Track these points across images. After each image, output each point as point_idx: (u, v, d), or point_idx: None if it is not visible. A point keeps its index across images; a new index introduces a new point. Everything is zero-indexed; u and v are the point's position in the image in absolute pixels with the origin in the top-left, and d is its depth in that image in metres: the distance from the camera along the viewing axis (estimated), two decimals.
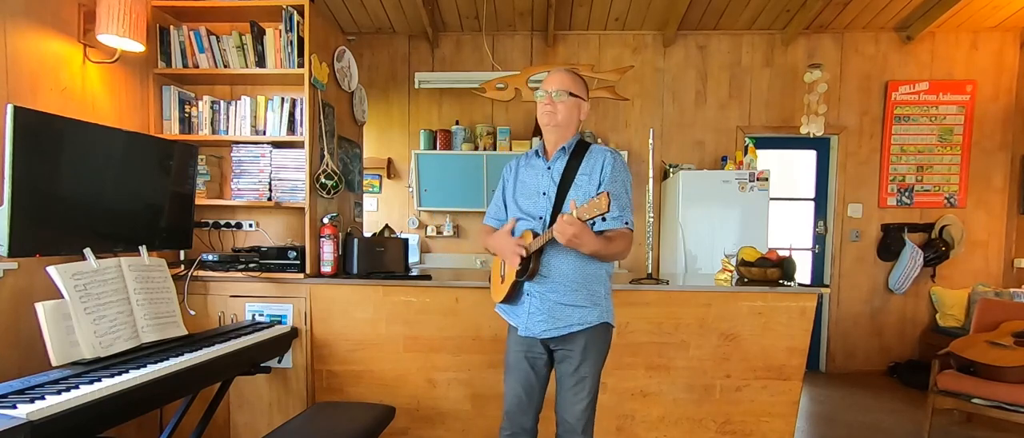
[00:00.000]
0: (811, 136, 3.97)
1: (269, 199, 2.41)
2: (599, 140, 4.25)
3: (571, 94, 1.65)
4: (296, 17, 2.31)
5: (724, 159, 4.11)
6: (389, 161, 4.48)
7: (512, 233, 1.69)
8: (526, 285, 1.63)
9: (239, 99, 2.41)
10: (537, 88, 1.71)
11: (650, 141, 2.48)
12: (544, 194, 1.65)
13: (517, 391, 1.69)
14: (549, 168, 1.67)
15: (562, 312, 1.60)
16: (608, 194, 1.33)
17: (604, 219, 1.52)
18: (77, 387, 1.32)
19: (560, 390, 1.66)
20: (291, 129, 2.39)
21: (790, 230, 4.34)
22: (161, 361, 1.59)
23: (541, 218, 1.63)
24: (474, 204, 4.22)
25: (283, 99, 2.39)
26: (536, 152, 1.74)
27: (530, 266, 1.58)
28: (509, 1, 3.88)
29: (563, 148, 1.66)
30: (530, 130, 4.23)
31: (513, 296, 1.67)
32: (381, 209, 4.52)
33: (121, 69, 2.22)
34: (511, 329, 1.73)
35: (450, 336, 2.29)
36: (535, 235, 1.60)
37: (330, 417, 1.92)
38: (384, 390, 2.32)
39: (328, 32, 2.56)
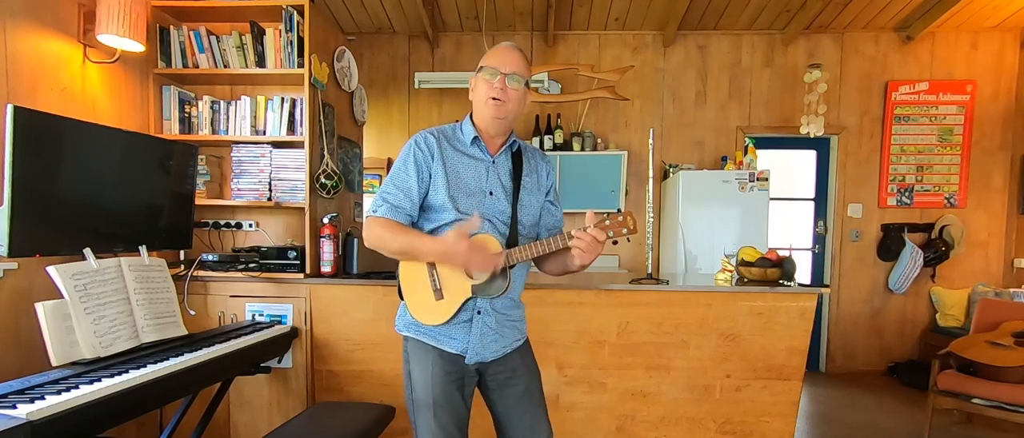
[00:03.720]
0: (811, 136, 3.97)
1: (269, 199, 2.42)
2: (599, 140, 4.25)
3: (526, 83, 1.40)
4: (296, 17, 2.31)
5: (724, 159, 4.11)
6: (389, 161, 4.48)
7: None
8: (479, 302, 1.36)
9: (239, 99, 2.41)
10: (484, 66, 1.39)
11: (650, 141, 2.48)
12: (491, 194, 1.39)
13: (450, 431, 1.36)
14: (494, 163, 1.42)
15: (508, 329, 1.43)
16: (632, 213, 1.29)
17: (550, 231, 1.46)
18: (77, 387, 1.32)
19: (516, 420, 1.43)
20: (291, 129, 2.40)
21: (790, 230, 4.34)
22: (161, 361, 1.59)
23: (490, 221, 1.37)
24: None
25: (283, 99, 2.39)
26: (473, 139, 1.42)
27: (508, 282, 1.35)
28: (509, 1, 3.88)
29: (510, 145, 1.45)
30: (530, 130, 4.23)
31: (456, 315, 1.36)
32: None
33: (121, 69, 2.22)
34: (427, 356, 1.38)
35: None
36: (501, 245, 1.35)
37: (330, 417, 1.92)
38: (384, 390, 2.32)
39: (328, 32, 2.57)
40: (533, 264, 1.48)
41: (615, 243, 1.36)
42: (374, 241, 1.35)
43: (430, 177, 1.37)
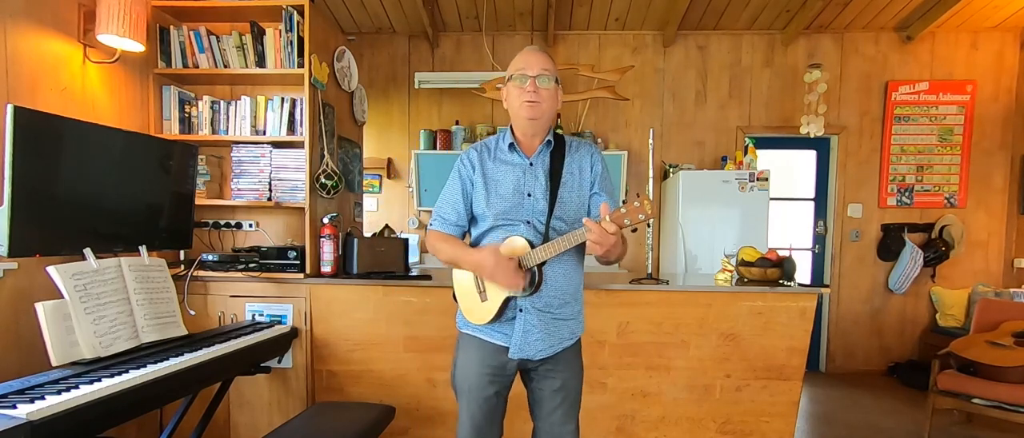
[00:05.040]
0: (811, 136, 3.97)
1: (269, 199, 2.42)
2: (599, 140, 4.25)
3: (556, 80, 1.46)
4: (296, 17, 2.31)
5: (724, 159, 4.11)
6: (389, 161, 4.48)
7: (474, 243, 1.51)
8: (519, 300, 1.42)
9: (239, 99, 2.41)
10: (513, 74, 1.45)
11: (650, 141, 2.48)
12: (529, 195, 1.45)
13: (478, 420, 1.48)
14: (532, 165, 1.47)
15: (556, 327, 1.46)
16: (648, 198, 1.24)
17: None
18: (77, 387, 1.32)
19: (543, 414, 1.50)
20: (291, 129, 2.40)
21: (790, 230, 4.34)
22: (161, 361, 1.59)
23: (528, 222, 1.43)
24: None
25: (283, 99, 2.39)
26: (510, 146, 1.49)
27: (536, 279, 1.39)
28: (509, 1, 3.88)
29: (547, 142, 1.48)
30: None
31: (501, 314, 1.45)
32: (381, 209, 4.52)
33: (121, 69, 2.22)
34: (471, 347, 1.51)
35: (450, 336, 2.27)
36: (532, 244, 1.39)
37: (330, 417, 1.92)
38: (384, 390, 2.32)
39: (328, 32, 2.56)
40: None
41: (634, 230, 1.34)
42: (431, 252, 1.54)
43: (473, 188, 1.50)
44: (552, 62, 1.46)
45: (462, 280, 1.51)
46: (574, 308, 1.51)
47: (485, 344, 1.49)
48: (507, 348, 1.46)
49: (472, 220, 1.54)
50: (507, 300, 1.43)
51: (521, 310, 1.44)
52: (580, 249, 1.47)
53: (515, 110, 1.46)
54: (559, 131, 1.60)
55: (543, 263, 1.39)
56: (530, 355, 1.44)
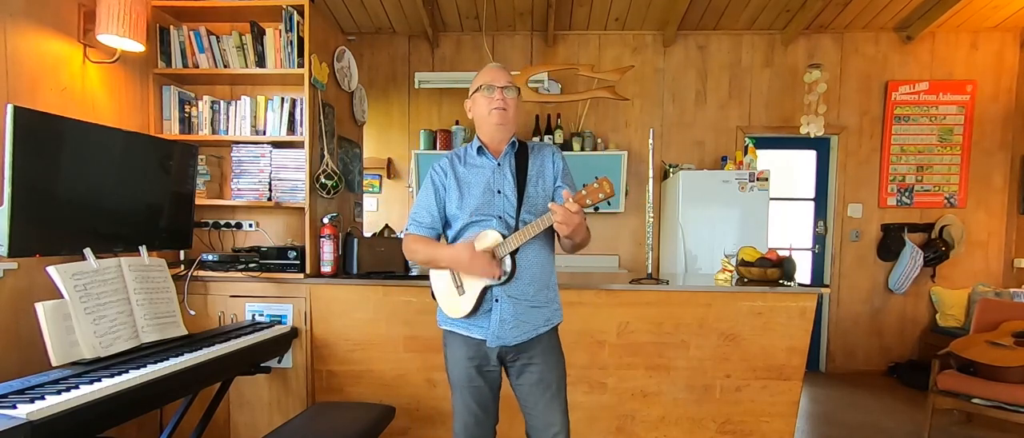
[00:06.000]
0: (811, 136, 3.97)
1: (269, 199, 2.42)
2: (599, 140, 4.25)
3: (518, 92, 1.61)
4: (296, 17, 2.31)
5: (724, 159, 4.11)
6: (389, 161, 4.48)
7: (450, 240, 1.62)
8: (495, 290, 1.51)
9: (239, 99, 2.42)
10: (480, 86, 1.60)
11: (650, 141, 2.48)
12: (499, 192, 1.56)
13: (472, 408, 1.57)
14: (499, 165, 1.59)
15: (531, 314, 1.54)
16: (607, 179, 1.37)
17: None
18: (77, 387, 1.33)
19: (529, 408, 1.57)
20: (291, 129, 2.40)
21: (790, 230, 4.34)
22: (161, 361, 1.60)
23: (500, 217, 1.54)
24: None
25: (283, 99, 2.39)
26: (478, 150, 1.62)
27: (511, 268, 1.48)
28: (509, 1, 3.88)
29: (512, 143, 1.60)
30: (530, 130, 4.23)
31: (478, 306, 1.53)
32: (381, 209, 4.52)
33: (121, 69, 2.22)
34: (455, 343, 1.60)
35: None
36: (504, 236, 1.49)
37: (330, 417, 1.92)
38: (384, 390, 2.32)
39: (328, 32, 2.57)
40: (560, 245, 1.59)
41: (596, 209, 1.44)
42: (408, 255, 1.63)
43: (446, 191, 1.61)
44: (512, 77, 1.62)
45: (439, 278, 1.61)
46: (548, 294, 1.59)
47: (467, 338, 1.57)
48: (483, 340, 1.54)
49: (446, 224, 1.64)
50: (484, 291, 1.51)
51: (497, 300, 1.52)
52: (550, 240, 1.61)
53: (484, 117, 1.59)
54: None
55: (516, 253, 1.50)
56: (506, 341, 1.52)
